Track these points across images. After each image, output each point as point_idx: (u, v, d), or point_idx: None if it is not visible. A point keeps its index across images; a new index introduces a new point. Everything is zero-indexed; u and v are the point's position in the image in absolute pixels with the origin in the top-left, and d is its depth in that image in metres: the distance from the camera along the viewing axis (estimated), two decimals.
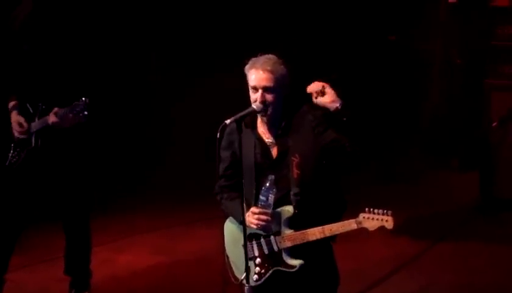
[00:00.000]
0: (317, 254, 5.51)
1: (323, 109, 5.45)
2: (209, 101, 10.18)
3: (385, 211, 5.33)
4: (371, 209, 5.35)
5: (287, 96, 5.49)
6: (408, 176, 10.49)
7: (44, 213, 7.94)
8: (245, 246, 5.40)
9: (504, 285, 7.85)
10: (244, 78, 5.50)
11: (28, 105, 7.31)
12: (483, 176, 9.50)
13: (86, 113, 6.97)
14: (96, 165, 7.88)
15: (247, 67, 5.47)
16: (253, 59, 5.47)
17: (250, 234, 5.50)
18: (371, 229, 5.36)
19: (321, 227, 5.40)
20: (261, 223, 5.42)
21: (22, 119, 7.28)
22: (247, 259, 5.43)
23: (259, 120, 5.53)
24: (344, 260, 5.73)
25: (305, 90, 5.51)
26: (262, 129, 5.55)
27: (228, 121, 5.32)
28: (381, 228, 5.37)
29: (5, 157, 7.42)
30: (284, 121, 5.50)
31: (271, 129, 5.54)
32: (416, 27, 10.81)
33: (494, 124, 9.18)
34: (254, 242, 5.55)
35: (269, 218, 5.42)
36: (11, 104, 7.45)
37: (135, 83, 10.72)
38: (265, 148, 5.52)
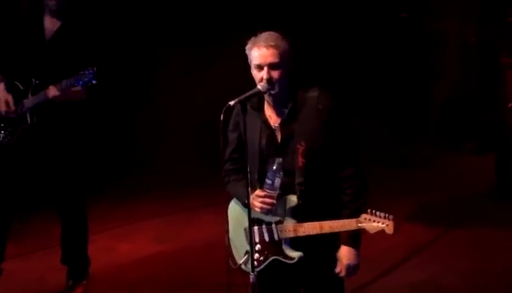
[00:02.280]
0: (319, 249, 5.53)
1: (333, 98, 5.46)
2: (215, 84, 10.17)
3: (387, 215, 5.33)
4: (373, 211, 5.35)
5: (291, 76, 5.45)
6: (421, 160, 10.57)
7: (39, 199, 7.96)
8: (250, 232, 5.38)
9: None
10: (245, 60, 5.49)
11: (17, 83, 7.30)
12: (499, 158, 9.55)
13: (94, 82, 6.95)
14: (93, 147, 7.90)
15: (248, 46, 5.43)
16: (254, 38, 5.44)
17: (253, 219, 5.48)
18: (371, 231, 5.35)
19: (321, 222, 5.40)
20: (265, 206, 5.42)
21: (10, 98, 7.22)
22: (252, 244, 5.43)
23: (266, 103, 5.50)
24: None
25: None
26: (269, 112, 5.52)
27: (232, 103, 5.27)
28: (382, 232, 5.36)
29: None
30: (291, 103, 5.47)
31: (278, 111, 5.51)
32: (429, 4, 10.87)
33: (511, 104, 9.19)
34: (256, 228, 5.56)
35: (274, 201, 5.41)
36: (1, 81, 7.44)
37: (138, 63, 10.73)
38: (271, 131, 5.50)
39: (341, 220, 5.41)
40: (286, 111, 5.47)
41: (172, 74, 10.87)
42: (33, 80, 7.16)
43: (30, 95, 7.15)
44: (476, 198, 9.52)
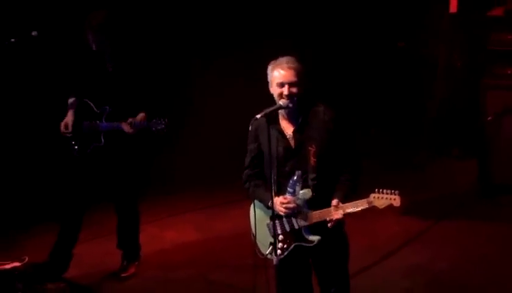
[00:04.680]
0: (330, 230, 5.50)
1: (335, 111, 5.53)
2: (245, 97, 10.09)
3: (393, 191, 5.33)
4: (380, 190, 5.33)
5: (303, 93, 5.50)
6: (415, 164, 10.44)
7: (99, 197, 8.01)
8: (273, 225, 5.47)
9: (499, 258, 7.85)
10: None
11: (91, 104, 7.38)
12: (480, 163, 9.43)
13: (165, 130, 7.24)
14: (147, 158, 7.97)
15: (270, 68, 5.51)
16: (274, 61, 5.51)
17: (272, 215, 5.53)
18: (380, 207, 5.35)
19: (336, 207, 5.39)
20: (288, 211, 5.48)
21: (70, 122, 7.39)
22: (275, 235, 5.51)
23: (280, 116, 5.55)
24: (359, 236, 5.78)
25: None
26: (283, 124, 5.56)
27: (258, 116, 5.37)
28: (390, 207, 5.34)
29: (65, 148, 7.55)
30: (301, 116, 5.52)
31: (290, 123, 5.56)
32: (422, 35, 10.76)
33: (489, 118, 9.12)
34: (277, 221, 5.56)
35: (296, 206, 5.47)
36: (71, 100, 7.53)
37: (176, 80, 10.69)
38: (285, 139, 5.53)
39: (353, 202, 5.40)
40: (299, 121, 5.51)
41: (212, 79, 10.78)
42: (107, 107, 7.29)
43: (104, 120, 7.28)
44: (461, 196, 9.43)
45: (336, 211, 5.39)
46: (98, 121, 7.34)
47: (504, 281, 7.40)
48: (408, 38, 10.88)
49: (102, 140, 7.35)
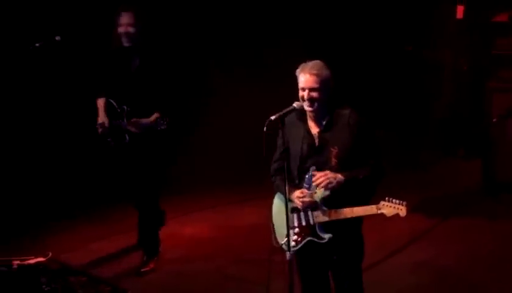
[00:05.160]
0: (345, 230, 5.53)
1: (360, 116, 5.53)
2: (262, 98, 10.06)
3: (401, 201, 5.34)
4: (390, 199, 5.36)
5: (331, 96, 5.51)
6: (422, 164, 10.45)
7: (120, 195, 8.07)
8: (287, 220, 5.43)
9: (503, 254, 7.84)
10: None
11: (114, 103, 7.43)
12: (484, 163, 9.43)
13: (164, 127, 7.22)
14: (167, 159, 7.98)
15: (298, 71, 5.53)
16: (303, 64, 5.52)
17: (292, 207, 5.57)
18: (388, 215, 5.38)
19: (348, 208, 5.43)
20: (303, 205, 5.53)
21: (106, 121, 7.44)
22: (290, 227, 5.53)
23: (308, 116, 5.57)
24: (370, 232, 5.74)
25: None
26: (310, 123, 5.58)
27: (273, 117, 5.40)
28: (397, 216, 5.37)
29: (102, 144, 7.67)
30: (328, 117, 5.53)
31: (317, 123, 5.57)
32: (429, 39, 10.76)
33: (494, 120, 9.12)
34: (295, 214, 5.59)
35: (311, 200, 5.50)
36: (102, 100, 7.56)
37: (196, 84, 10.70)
38: (311, 138, 5.55)
39: (364, 207, 5.42)
40: (324, 123, 5.53)
41: (229, 81, 10.75)
42: (125, 107, 7.34)
43: (125, 119, 7.34)
44: (466, 195, 9.44)
45: (350, 212, 5.43)
46: (120, 120, 7.39)
47: (508, 277, 7.38)
48: (415, 42, 10.87)
49: (127, 138, 7.39)
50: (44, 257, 7.43)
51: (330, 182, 5.38)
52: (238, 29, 10.66)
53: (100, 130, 7.47)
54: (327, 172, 5.39)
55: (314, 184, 5.44)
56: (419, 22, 10.66)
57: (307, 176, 5.50)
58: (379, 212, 5.39)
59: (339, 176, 5.39)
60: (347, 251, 5.63)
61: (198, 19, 10.71)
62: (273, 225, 5.72)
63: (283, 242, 5.58)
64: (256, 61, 10.52)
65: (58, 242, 8.30)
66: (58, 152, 9.66)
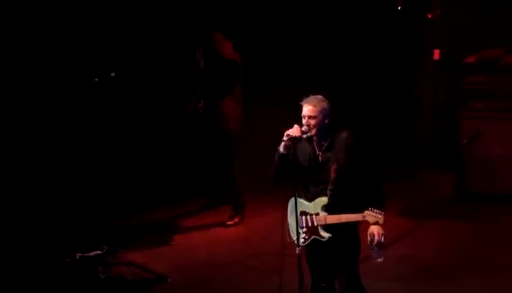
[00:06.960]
0: (344, 231, 5.64)
1: (356, 137, 5.62)
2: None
3: (380, 211, 5.50)
4: (371, 209, 5.50)
5: (331, 123, 5.61)
6: (407, 176, 10.29)
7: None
8: (296, 221, 5.58)
9: (474, 249, 8.00)
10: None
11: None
12: (457, 177, 9.45)
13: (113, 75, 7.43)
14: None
15: (302, 102, 5.67)
16: (305, 98, 5.66)
17: (302, 211, 5.65)
18: (371, 222, 5.52)
19: (339, 215, 5.56)
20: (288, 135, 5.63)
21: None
22: (298, 228, 5.64)
23: (313, 138, 5.67)
24: (364, 233, 5.82)
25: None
26: (315, 144, 5.68)
27: (285, 138, 5.65)
28: (377, 223, 5.54)
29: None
30: (329, 139, 5.63)
31: (320, 143, 5.67)
32: (413, 76, 10.69)
33: (464, 141, 9.19)
34: (303, 217, 5.67)
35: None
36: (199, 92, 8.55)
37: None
38: (315, 155, 5.67)
39: (353, 214, 5.54)
40: (325, 144, 5.64)
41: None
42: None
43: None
44: (442, 202, 9.41)
45: (343, 218, 5.55)
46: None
47: (476, 265, 7.57)
48: (402, 79, 10.78)
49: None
50: (100, 250, 7.65)
51: (382, 234, 5.55)
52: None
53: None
54: (378, 231, 5.52)
55: (374, 244, 5.54)
56: (405, 62, 10.58)
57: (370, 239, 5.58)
58: (363, 219, 5.52)
59: (379, 227, 5.53)
60: (346, 248, 5.70)
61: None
62: (288, 224, 5.76)
63: (295, 239, 5.66)
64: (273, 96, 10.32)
65: (113, 238, 8.28)
66: (116, 153, 9.48)
